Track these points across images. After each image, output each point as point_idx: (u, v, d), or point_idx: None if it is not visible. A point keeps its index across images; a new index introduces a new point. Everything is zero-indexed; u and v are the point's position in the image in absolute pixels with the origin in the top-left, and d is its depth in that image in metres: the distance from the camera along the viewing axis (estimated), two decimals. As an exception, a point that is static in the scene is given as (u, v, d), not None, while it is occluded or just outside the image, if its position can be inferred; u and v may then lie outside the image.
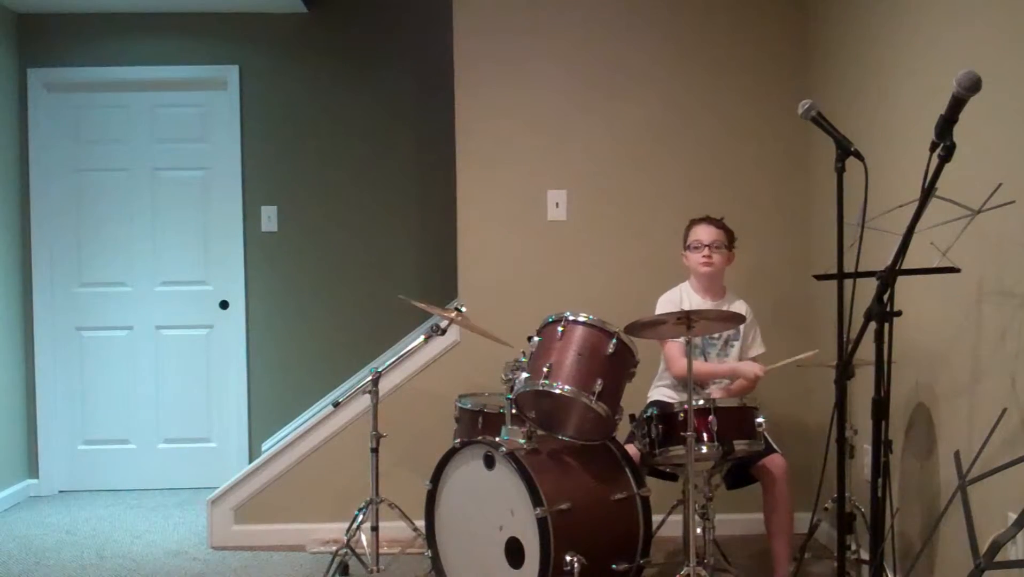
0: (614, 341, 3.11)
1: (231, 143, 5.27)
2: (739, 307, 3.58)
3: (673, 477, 3.45)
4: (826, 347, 3.55)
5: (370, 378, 3.62)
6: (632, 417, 3.25)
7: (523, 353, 3.27)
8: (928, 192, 2.27)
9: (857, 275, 2.56)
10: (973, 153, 2.50)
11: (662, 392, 3.60)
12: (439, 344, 4.20)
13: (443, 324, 3.78)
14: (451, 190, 4.32)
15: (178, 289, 5.33)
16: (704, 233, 3.56)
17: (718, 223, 3.58)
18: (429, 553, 3.31)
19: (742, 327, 3.46)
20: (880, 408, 2.50)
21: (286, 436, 4.53)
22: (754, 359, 3.56)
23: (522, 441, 3.10)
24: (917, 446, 3.07)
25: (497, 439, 3.12)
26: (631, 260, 4.24)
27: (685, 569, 2.98)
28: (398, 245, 5.26)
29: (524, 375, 3.14)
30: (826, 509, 3.39)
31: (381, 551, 3.60)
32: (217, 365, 5.33)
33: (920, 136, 2.37)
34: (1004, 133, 2.51)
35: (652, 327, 3.13)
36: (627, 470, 3.21)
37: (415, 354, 4.04)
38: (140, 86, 5.27)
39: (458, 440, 3.28)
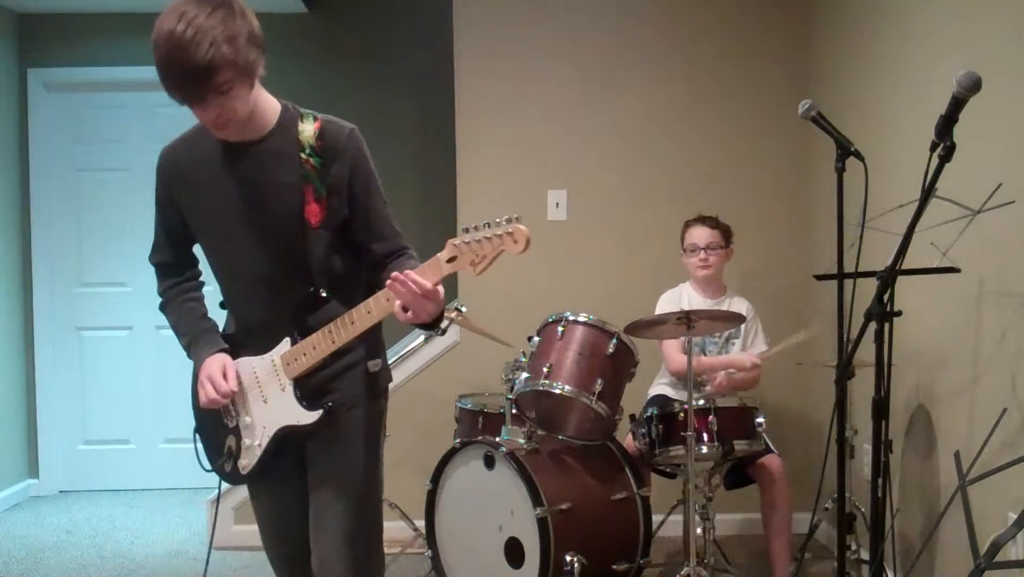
0: (614, 341, 3.11)
1: (231, 143, 5.26)
2: (739, 304, 3.58)
3: (671, 476, 3.45)
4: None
5: (370, 378, 3.61)
6: (632, 417, 3.25)
7: (523, 353, 3.27)
8: (928, 192, 2.27)
9: (857, 275, 2.56)
10: (973, 153, 2.50)
11: (662, 388, 3.60)
12: (439, 344, 4.19)
13: (443, 324, 3.77)
14: (451, 190, 4.31)
15: (178, 289, 5.32)
16: (699, 236, 3.55)
17: (712, 223, 3.57)
18: (429, 553, 3.31)
19: (742, 325, 3.46)
20: (880, 408, 2.50)
21: (286, 436, 4.51)
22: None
23: (522, 441, 3.11)
24: (917, 446, 3.07)
25: (497, 439, 3.12)
26: (631, 260, 4.23)
27: (685, 569, 2.99)
28: (398, 245, 5.24)
29: (524, 375, 3.15)
30: (826, 509, 3.39)
31: (381, 551, 3.59)
32: (217, 365, 5.31)
33: (920, 136, 2.36)
34: (1004, 133, 2.51)
35: (652, 327, 3.13)
36: (627, 470, 3.21)
37: (415, 354, 4.04)
38: (140, 86, 5.24)
39: (458, 440, 3.28)
